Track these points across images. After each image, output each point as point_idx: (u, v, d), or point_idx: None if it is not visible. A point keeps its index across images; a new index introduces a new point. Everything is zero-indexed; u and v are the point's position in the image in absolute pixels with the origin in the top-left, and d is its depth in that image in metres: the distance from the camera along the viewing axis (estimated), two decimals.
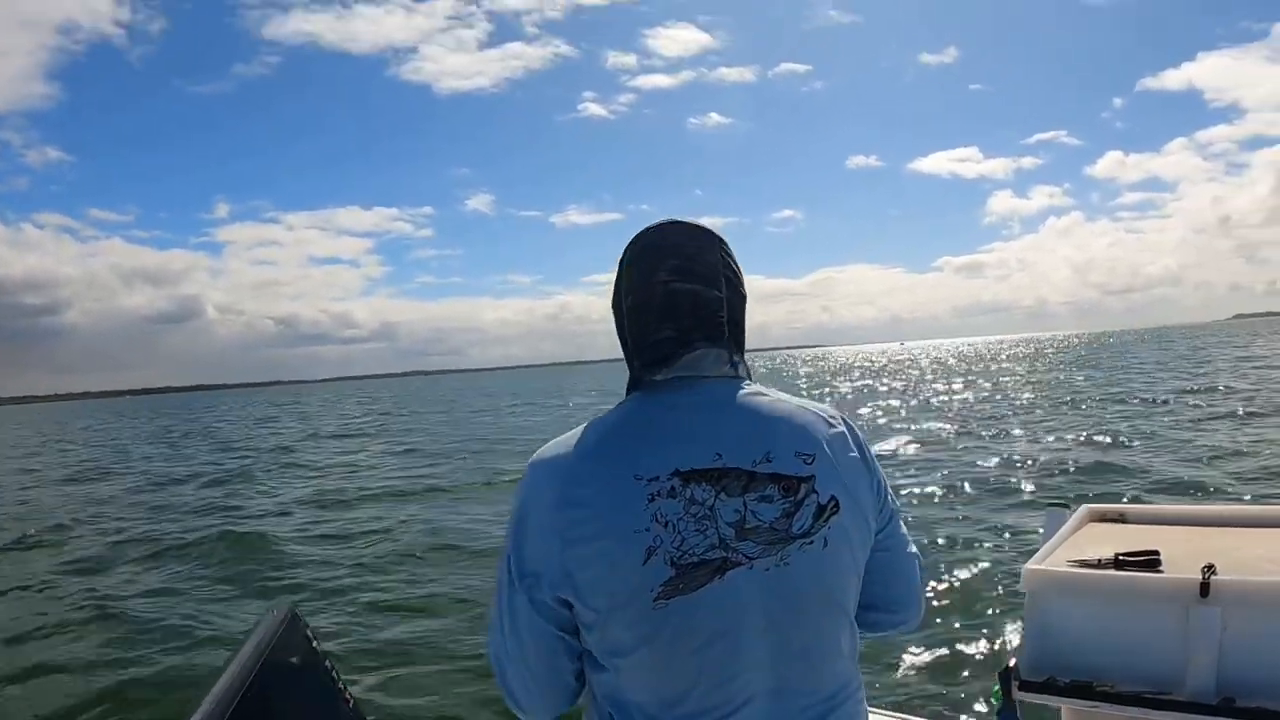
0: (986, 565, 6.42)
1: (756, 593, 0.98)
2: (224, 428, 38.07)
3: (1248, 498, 7.85)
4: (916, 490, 9.60)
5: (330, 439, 26.25)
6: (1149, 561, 1.79)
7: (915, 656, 4.77)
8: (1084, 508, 2.32)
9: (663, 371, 1.08)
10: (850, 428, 1.11)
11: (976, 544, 7.05)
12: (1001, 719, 1.79)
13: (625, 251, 1.15)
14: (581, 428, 1.07)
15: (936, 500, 9.14)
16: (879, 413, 21.19)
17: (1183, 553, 1.84)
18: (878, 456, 1.14)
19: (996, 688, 1.80)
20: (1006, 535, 7.29)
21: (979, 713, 4.09)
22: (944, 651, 4.82)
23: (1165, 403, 17.60)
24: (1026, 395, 23.63)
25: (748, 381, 1.10)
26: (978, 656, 4.74)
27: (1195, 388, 20.82)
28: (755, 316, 1.28)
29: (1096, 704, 1.67)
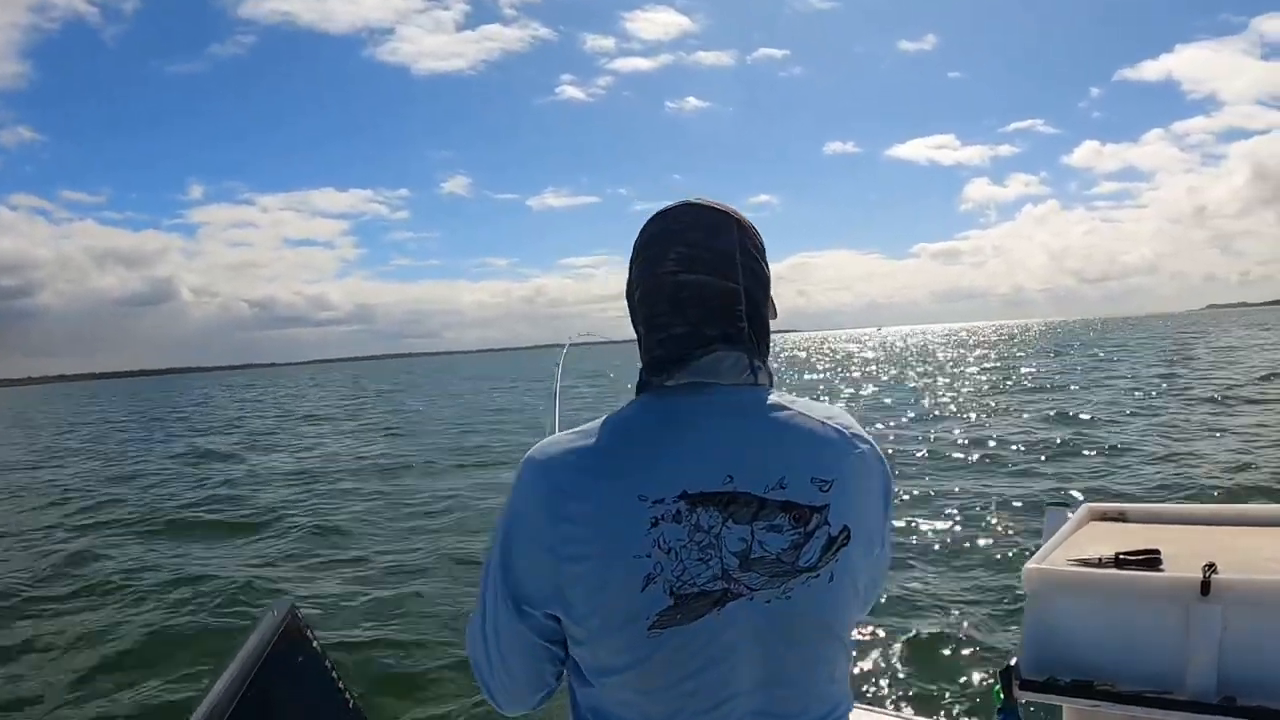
0: (986, 565, 6.41)
1: (754, 623, 0.93)
2: (198, 412, 38.27)
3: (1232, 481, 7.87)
4: (917, 490, 9.59)
5: (304, 421, 26.33)
6: (1149, 560, 1.79)
7: (916, 656, 4.76)
8: (1084, 507, 2.33)
9: (676, 375, 0.99)
10: (874, 448, 1.03)
11: (976, 543, 7.04)
12: (1002, 718, 1.79)
13: (637, 237, 1.06)
14: (584, 426, 1.00)
15: (937, 500, 9.12)
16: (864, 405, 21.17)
17: (1183, 552, 1.84)
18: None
19: (997, 687, 1.80)
20: (1006, 535, 7.29)
21: (980, 712, 4.09)
22: (945, 651, 4.82)
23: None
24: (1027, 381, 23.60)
25: (769, 390, 1.02)
26: (978, 655, 4.73)
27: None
28: None
29: (1097, 703, 1.68)
